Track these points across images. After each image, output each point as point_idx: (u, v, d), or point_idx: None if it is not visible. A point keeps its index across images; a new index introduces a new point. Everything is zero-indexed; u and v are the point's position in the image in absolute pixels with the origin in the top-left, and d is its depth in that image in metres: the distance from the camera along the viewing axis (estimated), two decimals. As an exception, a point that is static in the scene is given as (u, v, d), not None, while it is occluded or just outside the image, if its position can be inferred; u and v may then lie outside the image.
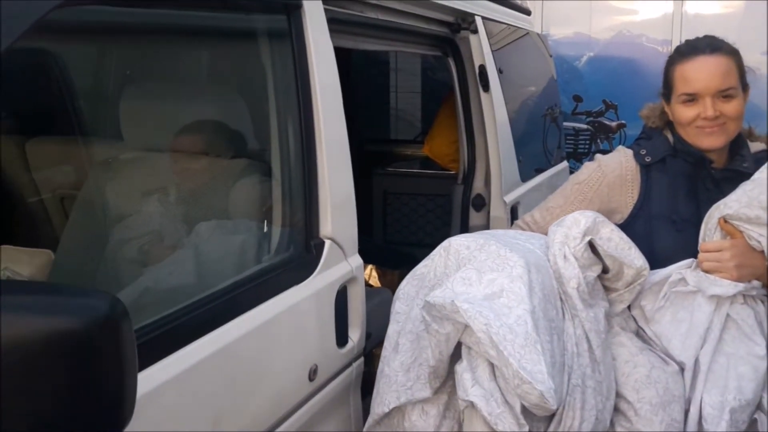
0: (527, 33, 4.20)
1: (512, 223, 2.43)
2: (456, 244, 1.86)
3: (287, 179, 1.91)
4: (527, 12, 4.40)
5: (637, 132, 2.23)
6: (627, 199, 2.06)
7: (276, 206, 1.93)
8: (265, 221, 1.96)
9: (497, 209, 3.26)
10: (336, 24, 2.06)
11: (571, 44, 7.48)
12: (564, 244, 1.82)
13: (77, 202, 2.22)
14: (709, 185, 2.00)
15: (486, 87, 3.22)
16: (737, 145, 2.03)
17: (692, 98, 1.95)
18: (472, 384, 1.63)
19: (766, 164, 1.93)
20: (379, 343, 2.14)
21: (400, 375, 1.79)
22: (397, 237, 4.54)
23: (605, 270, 1.86)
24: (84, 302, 0.95)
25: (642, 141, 2.12)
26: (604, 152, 2.18)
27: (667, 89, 2.04)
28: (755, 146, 2.08)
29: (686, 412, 1.80)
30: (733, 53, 1.97)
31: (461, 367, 1.68)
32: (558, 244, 1.83)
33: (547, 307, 1.71)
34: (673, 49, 2.10)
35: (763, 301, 1.86)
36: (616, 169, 2.07)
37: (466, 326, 1.62)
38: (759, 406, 1.76)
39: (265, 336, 1.66)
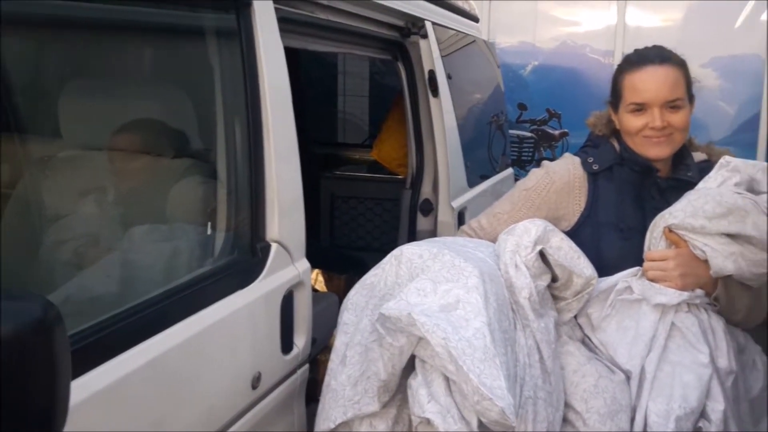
0: (475, 40, 4.22)
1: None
2: (408, 252, 1.80)
3: (233, 180, 1.86)
4: (476, 19, 4.42)
5: (580, 141, 2.24)
6: (574, 207, 2.06)
7: (220, 208, 1.87)
8: (209, 223, 1.91)
9: (445, 214, 3.26)
10: (286, 24, 2.03)
11: (517, 53, 7.57)
12: (515, 252, 1.80)
13: (11, 201, 2.12)
14: (655, 194, 2.02)
15: (435, 92, 3.22)
16: (682, 154, 2.06)
17: (640, 108, 1.96)
18: (428, 400, 1.58)
19: (709, 174, 1.96)
20: (325, 349, 2.11)
21: (347, 389, 1.71)
22: (345, 241, 4.52)
23: (554, 279, 1.85)
24: (15, 306, 0.90)
25: (589, 149, 2.13)
26: (548, 160, 2.18)
27: (615, 98, 2.05)
28: (696, 156, 2.11)
29: (631, 420, 1.80)
30: (681, 64, 1.99)
31: (416, 382, 1.62)
32: (509, 252, 1.81)
33: (501, 318, 1.68)
34: (616, 60, 2.11)
35: (707, 310, 1.89)
36: (564, 176, 2.08)
37: (420, 339, 1.57)
38: (702, 414, 1.78)
39: (207, 342, 1.61)
